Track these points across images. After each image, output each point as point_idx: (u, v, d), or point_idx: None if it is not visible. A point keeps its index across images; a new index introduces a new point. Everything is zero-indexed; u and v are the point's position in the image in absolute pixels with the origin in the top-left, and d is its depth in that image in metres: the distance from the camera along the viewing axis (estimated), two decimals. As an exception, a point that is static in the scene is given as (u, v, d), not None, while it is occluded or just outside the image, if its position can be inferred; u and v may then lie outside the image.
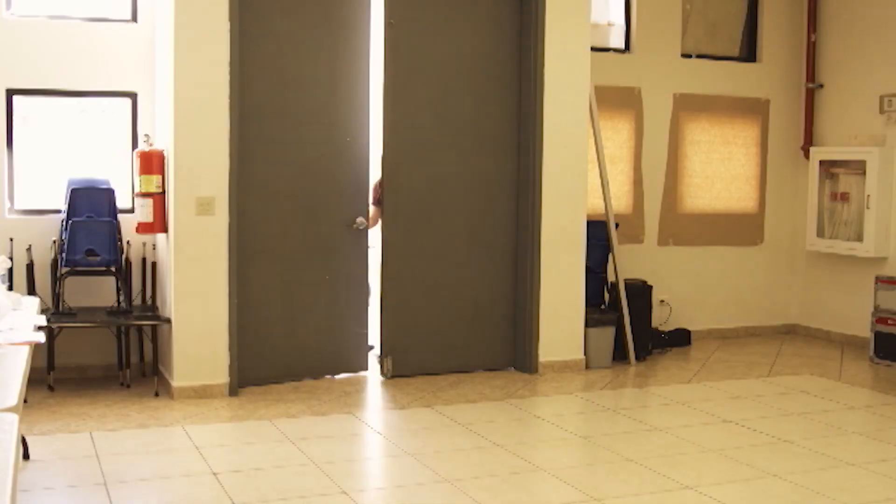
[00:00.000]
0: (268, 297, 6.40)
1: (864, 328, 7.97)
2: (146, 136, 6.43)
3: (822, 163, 8.45)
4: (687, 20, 8.47)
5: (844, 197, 8.32)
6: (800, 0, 8.70)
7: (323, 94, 6.50)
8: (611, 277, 7.62)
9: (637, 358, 7.45)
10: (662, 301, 8.17)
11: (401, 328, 6.71)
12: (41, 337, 3.80)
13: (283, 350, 6.48)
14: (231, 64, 6.03)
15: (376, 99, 6.64)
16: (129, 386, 6.33)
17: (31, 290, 6.19)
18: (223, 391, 6.12)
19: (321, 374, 6.63)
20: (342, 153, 6.59)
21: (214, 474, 4.64)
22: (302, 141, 6.46)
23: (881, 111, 8.07)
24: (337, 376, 6.66)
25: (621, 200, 8.10)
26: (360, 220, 6.63)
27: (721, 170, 8.58)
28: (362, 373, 6.75)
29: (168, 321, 6.14)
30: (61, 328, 6.21)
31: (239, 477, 4.62)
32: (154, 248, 6.63)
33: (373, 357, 6.95)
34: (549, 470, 4.82)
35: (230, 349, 6.13)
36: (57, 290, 6.26)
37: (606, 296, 7.66)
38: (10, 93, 6.39)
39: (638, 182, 8.22)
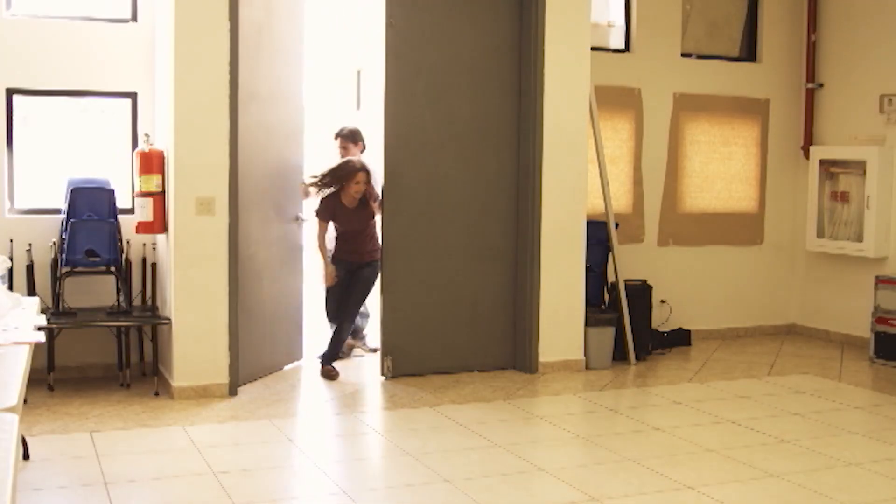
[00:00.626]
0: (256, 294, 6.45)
1: (864, 328, 7.97)
2: (146, 136, 6.42)
3: (822, 163, 8.45)
4: (687, 20, 8.47)
5: (844, 197, 8.32)
6: (800, 0, 8.70)
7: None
8: (611, 277, 7.62)
9: (637, 358, 7.45)
10: (662, 301, 8.17)
11: (401, 328, 6.71)
12: (41, 337, 3.80)
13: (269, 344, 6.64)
14: (231, 64, 6.03)
15: (376, 99, 6.65)
16: (129, 386, 6.33)
17: (31, 290, 6.19)
18: (223, 391, 6.12)
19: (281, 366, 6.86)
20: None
21: (214, 474, 4.64)
22: (285, 140, 6.57)
23: (881, 111, 8.07)
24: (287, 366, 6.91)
25: (621, 200, 8.10)
26: (299, 215, 6.91)
27: (721, 170, 8.58)
28: (297, 363, 7.06)
29: (168, 321, 6.14)
30: (61, 328, 6.21)
31: (239, 477, 4.62)
32: (154, 248, 6.63)
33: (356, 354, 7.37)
34: (549, 470, 4.82)
35: (230, 349, 6.13)
36: (57, 290, 6.26)
37: (606, 296, 7.66)
38: (10, 93, 6.39)
39: (638, 182, 8.22)
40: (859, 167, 8.11)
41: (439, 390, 6.43)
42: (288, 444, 5.16)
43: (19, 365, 3.25)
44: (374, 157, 6.96)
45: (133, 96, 6.66)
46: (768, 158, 8.76)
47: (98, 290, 6.52)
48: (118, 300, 6.45)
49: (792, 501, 4.44)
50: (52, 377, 6.22)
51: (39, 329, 3.94)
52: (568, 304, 7.04)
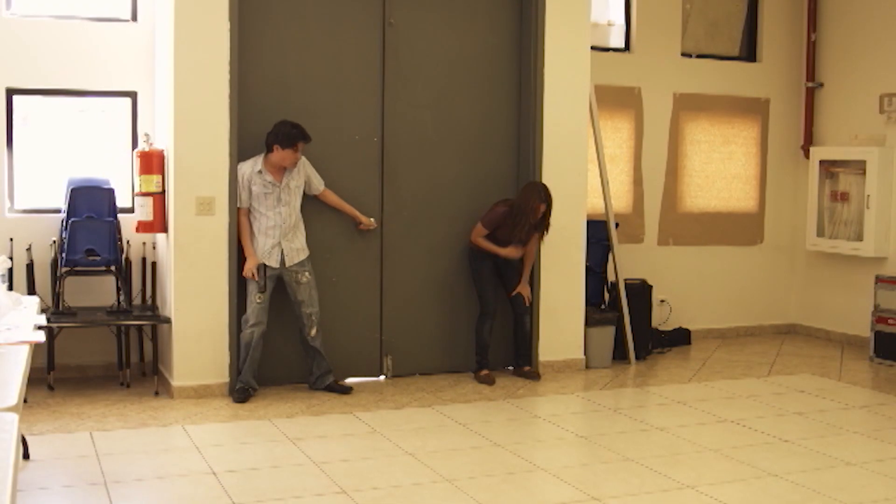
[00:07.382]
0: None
1: (864, 328, 7.97)
2: (146, 135, 6.43)
3: (822, 162, 8.45)
4: (687, 20, 8.47)
5: (844, 197, 8.33)
6: (800, 0, 8.70)
7: (327, 93, 6.50)
8: (611, 277, 7.62)
9: (637, 357, 7.45)
10: (662, 301, 8.17)
11: (401, 328, 6.71)
12: (41, 336, 3.81)
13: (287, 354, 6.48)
14: (231, 64, 6.04)
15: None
16: (128, 385, 6.33)
17: (31, 290, 6.19)
18: (223, 391, 6.12)
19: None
20: (349, 152, 6.56)
21: (214, 474, 4.64)
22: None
23: (881, 111, 8.07)
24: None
25: (621, 200, 8.10)
26: (371, 220, 6.54)
27: (721, 169, 8.58)
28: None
29: (168, 321, 6.14)
30: (61, 328, 6.21)
31: (238, 476, 4.63)
32: (154, 248, 6.64)
33: None
34: (548, 469, 4.82)
35: (230, 349, 6.13)
36: (57, 290, 6.26)
37: (606, 295, 7.66)
38: (10, 93, 6.39)
39: (638, 182, 8.22)
40: (859, 167, 8.12)
41: (439, 390, 6.43)
42: (287, 443, 5.16)
43: (19, 364, 3.26)
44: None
45: (133, 96, 6.66)
46: (768, 158, 8.76)
47: (98, 290, 6.53)
48: (118, 300, 6.45)
49: (792, 501, 4.44)
50: (52, 377, 6.22)
51: (39, 328, 3.95)
52: (568, 303, 7.04)
